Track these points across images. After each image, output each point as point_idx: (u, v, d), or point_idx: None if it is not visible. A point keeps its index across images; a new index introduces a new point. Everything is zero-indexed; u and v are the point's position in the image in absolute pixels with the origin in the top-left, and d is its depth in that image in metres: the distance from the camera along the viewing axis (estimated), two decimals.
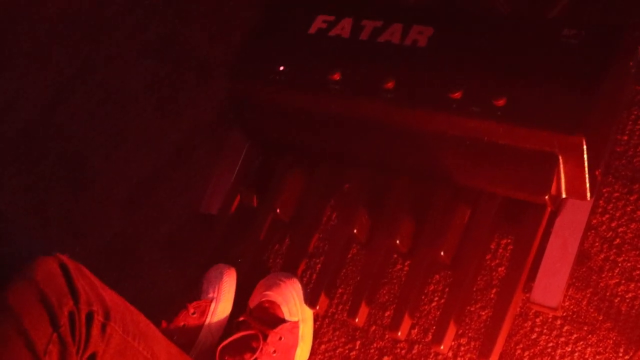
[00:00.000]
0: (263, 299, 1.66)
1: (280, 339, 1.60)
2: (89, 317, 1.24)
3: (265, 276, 1.70)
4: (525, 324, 1.53)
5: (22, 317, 1.16)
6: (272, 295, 1.65)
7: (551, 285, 1.44)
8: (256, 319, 1.63)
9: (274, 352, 1.59)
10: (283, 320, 1.63)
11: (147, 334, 1.36)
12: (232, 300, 1.70)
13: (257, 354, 1.58)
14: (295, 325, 1.64)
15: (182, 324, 1.64)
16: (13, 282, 1.19)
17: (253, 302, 1.67)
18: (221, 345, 1.60)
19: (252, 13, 1.78)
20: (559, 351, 1.49)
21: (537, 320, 1.52)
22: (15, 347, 1.14)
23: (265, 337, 1.59)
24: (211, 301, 1.67)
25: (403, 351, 1.60)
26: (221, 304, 1.68)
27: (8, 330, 1.14)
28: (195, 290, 1.71)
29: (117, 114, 2.19)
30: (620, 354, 1.44)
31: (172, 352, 1.42)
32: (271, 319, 1.63)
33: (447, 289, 1.61)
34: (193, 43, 2.18)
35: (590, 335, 1.47)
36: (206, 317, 1.66)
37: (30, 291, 1.18)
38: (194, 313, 1.65)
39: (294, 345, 1.63)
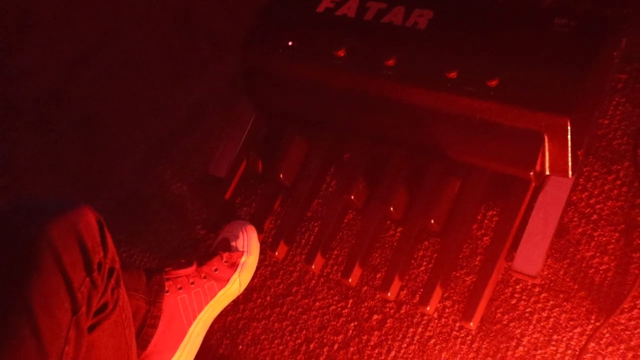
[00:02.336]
0: (220, 238, 1.74)
1: (216, 270, 1.67)
2: (111, 272, 1.26)
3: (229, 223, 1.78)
4: (506, 290, 1.55)
5: (62, 254, 1.15)
6: (226, 233, 1.74)
7: (532, 255, 1.45)
8: (210, 251, 1.73)
9: (205, 277, 1.66)
10: (230, 249, 1.70)
11: (130, 323, 1.37)
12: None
13: (185, 270, 1.65)
14: (240, 254, 1.70)
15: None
16: (57, 220, 1.17)
17: (214, 244, 1.76)
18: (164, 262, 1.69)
19: None
20: (535, 316, 1.51)
21: (517, 287, 1.55)
22: (55, 282, 1.14)
23: (200, 264, 1.67)
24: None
25: (392, 311, 1.62)
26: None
27: (49, 263, 1.14)
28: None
29: (134, 79, 2.19)
30: (592, 321, 1.46)
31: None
32: (221, 249, 1.72)
33: (435, 255, 1.63)
34: (208, 16, 2.17)
35: (565, 303, 1.50)
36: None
37: (72, 233, 1.18)
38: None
39: (230, 272, 1.69)
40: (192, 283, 1.64)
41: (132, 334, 1.36)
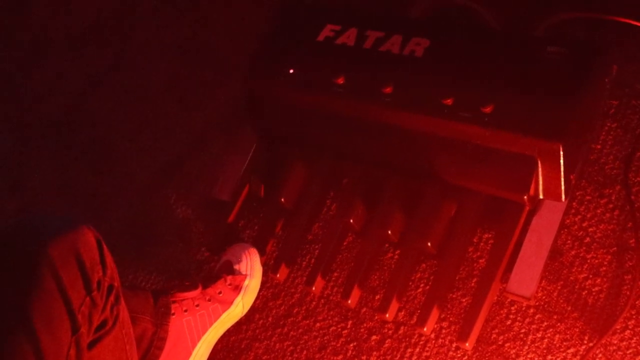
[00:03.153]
0: (223, 260, 1.75)
1: (220, 293, 1.68)
2: (110, 289, 1.26)
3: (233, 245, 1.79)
4: (501, 311, 1.55)
5: (62, 274, 1.15)
6: (230, 255, 1.75)
7: (526, 277, 1.46)
8: (214, 273, 1.73)
9: (209, 299, 1.67)
10: (233, 272, 1.71)
11: (131, 338, 1.37)
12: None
13: (191, 293, 1.67)
14: (243, 277, 1.71)
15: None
16: (56, 240, 1.17)
17: (217, 265, 1.77)
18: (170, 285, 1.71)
19: (267, 21, 1.79)
20: (530, 337, 1.52)
21: (512, 308, 1.55)
22: (55, 302, 1.14)
23: (205, 287, 1.68)
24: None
25: (390, 331, 1.63)
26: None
27: (49, 284, 1.14)
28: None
29: (142, 105, 2.20)
30: (585, 341, 1.47)
31: None
32: (224, 272, 1.72)
33: (432, 277, 1.63)
34: (213, 45, 2.19)
35: (559, 324, 1.50)
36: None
37: (71, 252, 1.18)
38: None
39: (234, 295, 1.70)
40: (197, 305, 1.65)
41: (132, 348, 1.36)
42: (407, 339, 1.61)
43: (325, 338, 1.68)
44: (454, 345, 1.56)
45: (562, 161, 1.40)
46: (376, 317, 1.65)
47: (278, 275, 1.71)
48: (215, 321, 1.67)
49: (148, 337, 1.59)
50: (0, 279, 1.15)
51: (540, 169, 1.43)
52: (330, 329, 1.68)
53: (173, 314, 1.62)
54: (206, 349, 1.69)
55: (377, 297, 1.67)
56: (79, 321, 1.17)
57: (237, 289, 1.69)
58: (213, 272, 1.75)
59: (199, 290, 1.66)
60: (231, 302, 1.68)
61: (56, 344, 1.13)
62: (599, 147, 1.61)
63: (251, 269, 1.72)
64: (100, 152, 2.19)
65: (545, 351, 1.49)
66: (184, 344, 1.63)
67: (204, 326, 1.66)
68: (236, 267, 1.71)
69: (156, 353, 1.60)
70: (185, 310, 1.64)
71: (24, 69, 2.48)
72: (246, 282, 1.71)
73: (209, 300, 1.66)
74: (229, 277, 1.69)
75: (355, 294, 1.62)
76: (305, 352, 1.68)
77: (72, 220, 1.24)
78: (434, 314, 1.53)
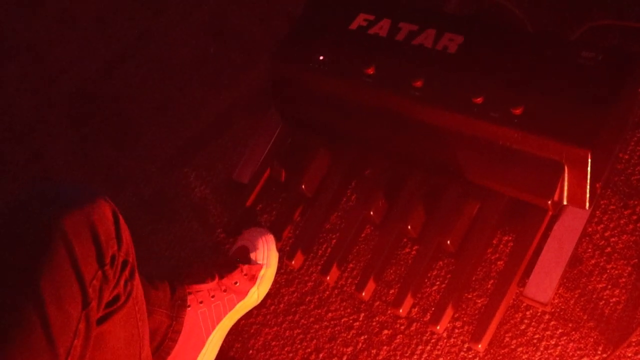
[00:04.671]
0: (239, 245, 1.73)
1: (236, 283, 1.66)
2: (124, 265, 1.24)
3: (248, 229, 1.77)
4: (516, 315, 1.54)
5: (75, 246, 1.13)
6: (246, 241, 1.73)
7: (544, 282, 1.45)
8: (228, 259, 1.71)
9: (225, 290, 1.66)
10: (249, 261, 1.69)
11: (143, 315, 1.36)
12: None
13: (207, 285, 1.65)
14: (259, 267, 1.69)
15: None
16: (71, 211, 1.15)
17: (232, 249, 1.75)
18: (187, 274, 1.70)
19: (301, 4, 1.77)
20: (544, 343, 1.50)
21: (528, 313, 1.53)
22: (66, 274, 1.12)
23: (221, 277, 1.66)
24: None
25: (402, 327, 1.62)
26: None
27: (62, 255, 1.12)
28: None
29: (166, 82, 2.19)
30: (599, 352, 1.45)
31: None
32: (240, 261, 1.70)
33: (448, 275, 1.62)
34: (242, 25, 2.17)
35: (573, 332, 1.48)
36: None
37: (85, 224, 1.16)
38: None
39: (249, 285, 1.68)
40: (213, 296, 1.64)
41: (145, 325, 1.35)
42: (419, 336, 1.59)
43: (336, 329, 1.66)
44: (466, 345, 1.55)
45: (589, 168, 1.39)
46: (389, 312, 1.64)
47: (293, 262, 1.69)
48: (230, 311, 1.66)
49: (163, 329, 1.59)
50: (12, 247, 1.13)
51: (566, 175, 1.41)
52: (342, 320, 1.67)
53: (189, 306, 1.62)
54: (220, 337, 1.68)
55: (392, 291, 1.65)
56: (89, 295, 1.15)
57: (253, 278, 1.68)
58: (228, 256, 1.73)
59: (216, 281, 1.65)
60: (247, 293, 1.67)
61: (65, 316, 1.11)
62: (627, 157, 1.58)
63: (267, 258, 1.71)
64: (122, 126, 2.18)
65: (558, 358, 1.48)
66: (198, 334, 1.63)
67: (218, 316, 1.65)
68: (252, 255, 1.70)
69: (170, 345, 1.60)
70: (201, 302, 1.63)
71: (51, 40, 2.47)
72: (262, 271, 1.69)
73: (225, 290, 1.65)
74: (245, 267, 1.67)
75: (370, 286, 1.60)
76: (315, 341, 1.67)
77: (89, 190, 1.22)
78: (448, 312, 1.51)
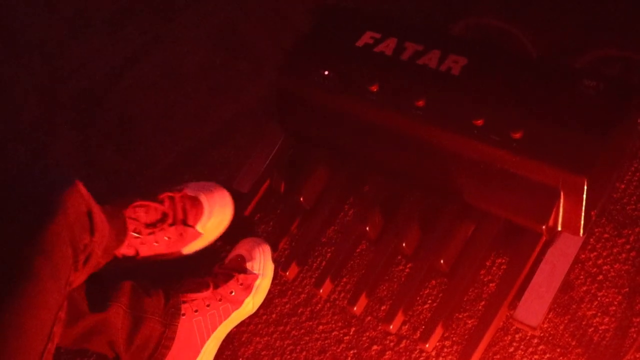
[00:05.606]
0: (235, 254, 1.73)
1: (231, 292, 1.67)
2: (89, 256, 1.36)
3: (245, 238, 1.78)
4: (505, 338, 1.54)
5: (54, 253, 1.22)
6: (242, 250, 1.73)
7: (534, 306, 1.45)
8: (224, 269, 1.71)
9: (220, 299, 1.66)
10: (245, 271, 1.69)
11: None
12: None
13: (202, 294, 1.65)
14: (255, 277, 1.69)
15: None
16: (49, 221, 1.23)
17: (228, 258, 1.75)
18: (183, 283, 1.69)
19: (309, 18, 1.79)
20: None
21: (517, 336, 1.54)
22: (47, 283, 1.19)
23: (217, 286, 1.66)
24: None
25: (392, 343, 1.62)
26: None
27: (42, 268, 1.19)
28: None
29: (172, 88, 2.20)
30: None
31: None
32: (236, 270, 1.70)
33: (440, 295, 1.62)
34: (251, 37, 2.19)
35: (561, 357, 1.49)
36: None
37: (63, 231, 1.24)
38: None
39: (245, 295, 1.68)
40: (208, 305, 1.65)
41: None
42: (408, 353, 1.60)
43: (327, 342, 1.67)
44: None
45: (585, 196, 1.39)
46: (380, 328, 1.64)
47: (287, 274, 1.70)
48: (225, 320, 1.67)
49: (156, 336, 1.60)
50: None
51: (562, 201, 1.42)
52: (333, 334, 1.67)
53: (183, 314, 1.62)
54: (214, 346, 1.69)
55: (383, 307, 1.66)
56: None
57: (249, 288, 1.69)
58: (224, 265, 1.74)
59: (211, 290, 1.65)
60: (242, 302, 1.68)
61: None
62: (623, 186, 1.59)
63: (263, 268, 1.71)
64: (126, 130, 2.19)
65: None
66: (193, 342, 1.64)
67: (213, 325, 1.66)
68: (248, 264, 1.71)
69: (163, 352, 1.61)
70: (196, 311, 1.63)
71: (62, 42, 2.49)
72: (258, 281, 1.70)
73: (220, 300, 1.66)
74: (241, 276, 1.68)
75: (362, 301, 1.61)
76: (304, 353, 1.67)
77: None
78: (438, 331, 1.52)
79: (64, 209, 1.26)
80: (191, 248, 1.74)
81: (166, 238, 1.68)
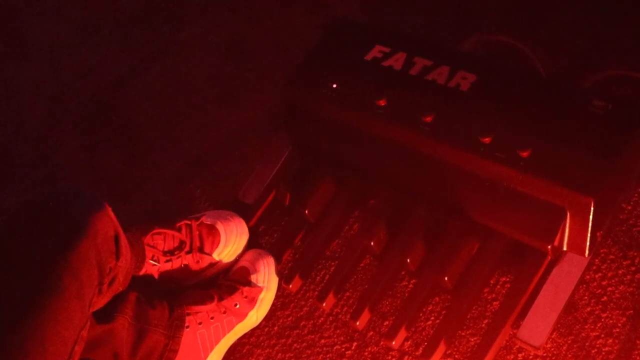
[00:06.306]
0: (240, 266, 1.73)
1: (236, 305, 1.66)
2: (113, 280, 1.38)
3: (249, 250, 1.78)
4: (508, 357, 1.54)
5: (81, 274, 1.24)
6: (247, 262, 1.73)
7: (538, 326, 1.44)
8: (228, 281, 1.71)
9: (224, 312, 1.66)
10: (249, 283, 1.69)
11: None
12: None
13: (206, 306, 1.65)
14: (259, 290, 1.69)
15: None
16: (79, 242, 1.26)
17: (233, 269, 1.75)
18: (187, 294, 1.69)
19: (318, 32, 1.79)
20: None
21: (519, 355, 1.53)
22: (72, 301, 1.22)
23: (221, 299, 1.66)
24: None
25: (393, 359, 1.62)
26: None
27: (69, 287, 1.21)
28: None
29: (179, 98, 2.21)
30: None
31: None
32: (240, 282, 1.70)
33: (444, 312, 1.62)
34: (259, 48, 2.19)
35: None
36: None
37: (91, 253, 1.27)
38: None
39: (249, 307, 1.68)
40: (212, 318, 1.64)
41: None
42: None
43: (328, 356, 1.66)
44: None
45: (591, 216, 1.39)
46: (382, 343, 1.64)
47: (290, 286, 1.70)
48: (228, 332, 1.66)
49: (160, 348, 1.60)
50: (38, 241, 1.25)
51: (568, 221, 1.42)
52: (334, 348, 1.67)
53: (187, 326, 1.62)
54: (217, 358, 1.68)
55: (386, 323, 1.65)
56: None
57: (253, 301, 1.68)
58: (228, 275, 1.73)
59: (215, 302, 1.65)
60: (246, 315, 1.68)
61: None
62: (629, 207, 1.59)
63: (268, 281, 1.71)
64: (131, 137, 2.19)
65: None
66: (196, 355, 1.63)
67: (217, 337, 1.65)
68: (253, 277, 1.70)
69: None
70: (200, 323, 1.63)
71: (70, 48, 2.49)
72: (262, 294, 1.70)
73: (224, 312, 1.65)
74: (245, 289, 1.68)
75: (365, 316, 1.60)
76: None
77: (99, 213, 1.34)
78: (441, 348, 1.51)
79: (93, 232, 1.29)
80: (206, 274, 1.75)
81: (182, 265, 1.69)
